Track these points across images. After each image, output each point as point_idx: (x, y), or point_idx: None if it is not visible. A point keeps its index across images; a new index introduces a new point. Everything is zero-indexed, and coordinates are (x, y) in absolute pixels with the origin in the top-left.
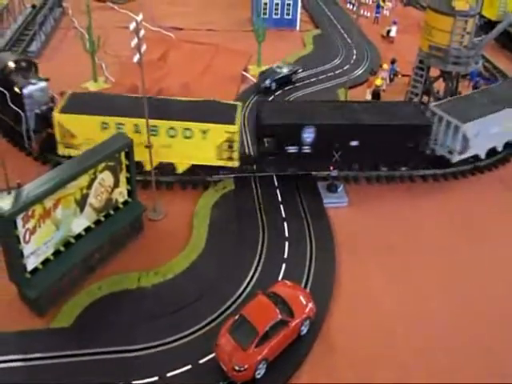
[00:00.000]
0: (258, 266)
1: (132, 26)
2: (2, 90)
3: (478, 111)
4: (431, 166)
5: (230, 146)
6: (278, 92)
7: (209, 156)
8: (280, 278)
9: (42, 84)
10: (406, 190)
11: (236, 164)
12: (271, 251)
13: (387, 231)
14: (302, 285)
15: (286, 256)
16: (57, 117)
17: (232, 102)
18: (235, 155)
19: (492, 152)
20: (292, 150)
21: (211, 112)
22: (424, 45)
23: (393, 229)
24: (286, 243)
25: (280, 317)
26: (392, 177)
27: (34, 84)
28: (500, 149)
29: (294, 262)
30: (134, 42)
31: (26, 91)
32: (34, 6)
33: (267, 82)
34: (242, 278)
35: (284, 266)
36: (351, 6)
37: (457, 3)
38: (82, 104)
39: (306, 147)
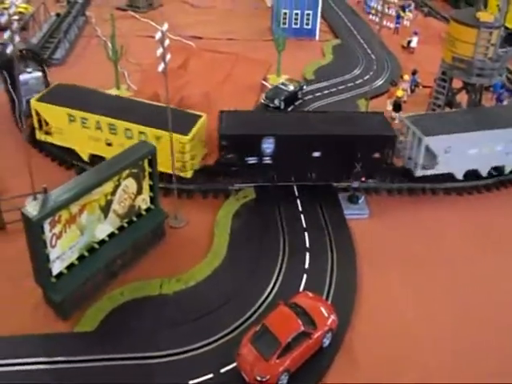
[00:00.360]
0: (278, 275)
1: (158, 35)
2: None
3: (451, 128)
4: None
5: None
6: (297, 102)
7: (162, 163)
8: (301, 288)
9: (37, 74)
10: (428, 202)
11: (188, 175)
12: (292, 261)
13: (409, 243)
14: (324, 296)
15: (306, 267)
16: (33, 104)
17: (198, 113)
18: (188, 165)
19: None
20: (252, 160)
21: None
22: (447, 56)
23: (414, 240)
24: (307, 254)
25: (303, 328)
26: (413, 189)
27: (29, 73)
28: (484, 174)
29: (315, 273)
30: (159, 51)
31: (21, 78)
32: (58, 15)
33: (276, 101)
34: (263, 287)
35: (305, 276)
36: (374, 17)
37: (481, 15)
38: (58, 95)
39: (267, 158)
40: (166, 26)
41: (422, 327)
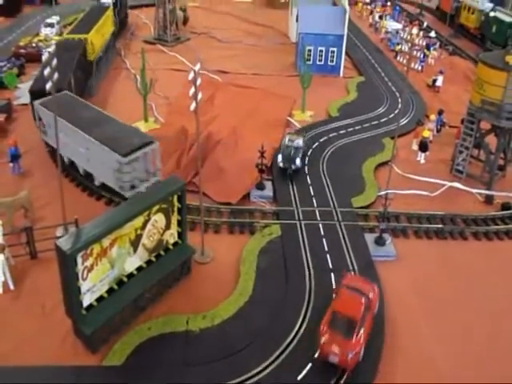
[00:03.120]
0: (305, 317)
1: (190, 75)
2: None
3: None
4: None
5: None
6: (322, 139)
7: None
8: None
9: None
10: (457, 246)
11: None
12: (318, 302)
13: (437, 287)
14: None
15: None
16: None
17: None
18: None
19: None
20: None
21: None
22: (475, 98)
23: (443, 285)
24: (334, 295)
25: (364, 302)
26: (441, 231)
27: None
28: (96, 182)
29: None
30: (192, 91)
31: None
32: None
33: (298, 163)
34: (289, 328)
35: None
36: (401, 59)
37: (510, 58)
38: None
39: None
40: (198, 66)
41: (454, 376)
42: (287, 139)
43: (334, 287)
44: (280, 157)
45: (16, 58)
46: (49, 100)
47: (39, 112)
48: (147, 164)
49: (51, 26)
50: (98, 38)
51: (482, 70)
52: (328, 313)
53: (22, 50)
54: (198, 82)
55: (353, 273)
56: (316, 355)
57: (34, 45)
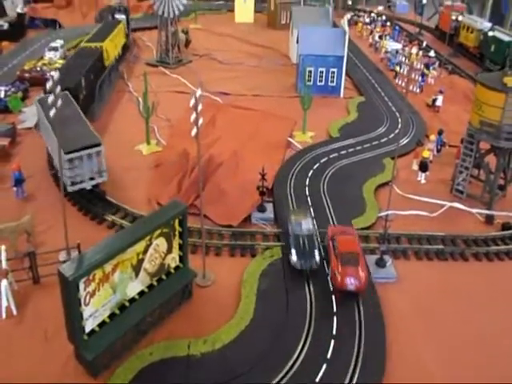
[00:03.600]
0: (306, 339)
1: (191, 102)
2: None
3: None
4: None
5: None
6: (323, 160)
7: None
8: (329, 355)
9: None
10: (458, 267)
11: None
12: (319, 325)
13: (438, 309)
14: (352, 364)
15: (334, 332)
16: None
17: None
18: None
19: None
20: None
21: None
22: (474, 119)
23: (444, 306)
24: (335, 318)
25: (357, 240)
26: (442, 252)
27: None
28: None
29: (343, 340)
30: (193, 116)
31: None
32: None
33: (317, 257)
34: (289, 353)
35: (332, 342)
36: (399, 81)
37: (508, 80)
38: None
39: None
40: (199, 92)
41: None
42: (293, 222)
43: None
44: (294, 254)
45: (20, 82)
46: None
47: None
48: (92, 164)
49: (55, 49)
50: (111, 46)
51: (481, 92)
52: (333, 258)
53: (27, 74)
54: (199, 107)
55: (333, 225)
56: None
57: (38, 69)
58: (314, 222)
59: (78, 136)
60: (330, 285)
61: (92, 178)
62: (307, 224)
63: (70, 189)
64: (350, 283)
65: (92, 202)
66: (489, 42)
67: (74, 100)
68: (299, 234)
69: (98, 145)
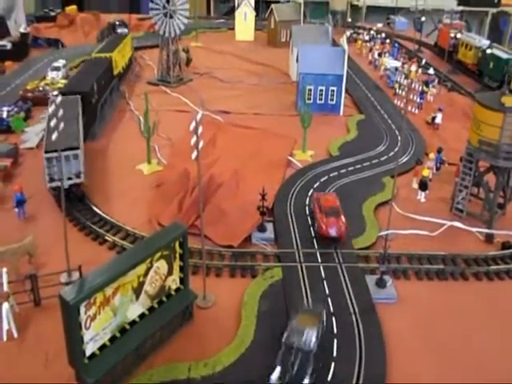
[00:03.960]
0: None
1: (192, 125)
2: None
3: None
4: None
5: None
6: (323, 179)
7: None
8: (329, 378)
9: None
10: (458, 286)
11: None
12: (321, 349)
13: (438, 330)
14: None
15: (334, 354)
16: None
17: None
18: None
19: None
20: None
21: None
22: (473, 138)
23: (444, 327)
24: (335, 340)
25: (336, 197)
26: (442, 272)
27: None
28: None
29: (344, 361)
30: (193, 140)
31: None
32: None
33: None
34: None
35: (333, 364)
36: (398, 102)
37: (506, 99)
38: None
39: None
40: (200, 115)
41: None
42: (294, 327)
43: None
44: (277, 372)
45: (23, 102)
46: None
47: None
48: (70, 165)
49: (57, 69)
50: (119, 56)
51: (479, 111)
52: (319, 213)
53: (29, 94)
54: (200, 130)
55: (317, 193)
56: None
57: (40, 88)
58: (320, 335)
59: (64, 137)
60: (331, 306)
61: (70, 178)
62: (311, 335)
63: (48, 185)
64: (333, 231)
65: (94, 223)
66: (487, 59)
67: (80, 104)
68: (295, 346)
69: (76, 148)
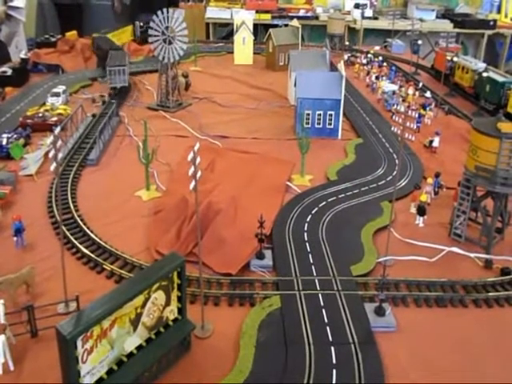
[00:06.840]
0: None
1: (190, 156)
2: None
3: None
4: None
5: None
6: (321, 204)
7: None
8: None
9: None
10: (457, 314)
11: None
12: (319, 379)
13: (438, 359)
14: None
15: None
16: None
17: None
18: None
19: None
20: None
21: None
22: (470, 164)
23: (444, 356)
24: (334, 371)
25: None
26: (441, 299)
27: None
28: None
29: None
30: (191, 170)
31: None
32: (94, 116)
33: None
34: None
35: None
36: (395, 129)
37: (502, 126)
38: None
39: None
40: (197, 146)
41: None
42: None
43: None
44: None
45: (23, 129)
46: None
47: None
48: None
49: (57, 95)
50: None
51: (475, 137)
52: None
53: (29, 120)
54: (198, 160)
55: None
56: None
57: (40, 114)
58: None
59: None
60: (330, 335)
61: None
62: None
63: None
64: None
65: (92, 251)
66: (484, 82)
67: None
68: None
69: None
